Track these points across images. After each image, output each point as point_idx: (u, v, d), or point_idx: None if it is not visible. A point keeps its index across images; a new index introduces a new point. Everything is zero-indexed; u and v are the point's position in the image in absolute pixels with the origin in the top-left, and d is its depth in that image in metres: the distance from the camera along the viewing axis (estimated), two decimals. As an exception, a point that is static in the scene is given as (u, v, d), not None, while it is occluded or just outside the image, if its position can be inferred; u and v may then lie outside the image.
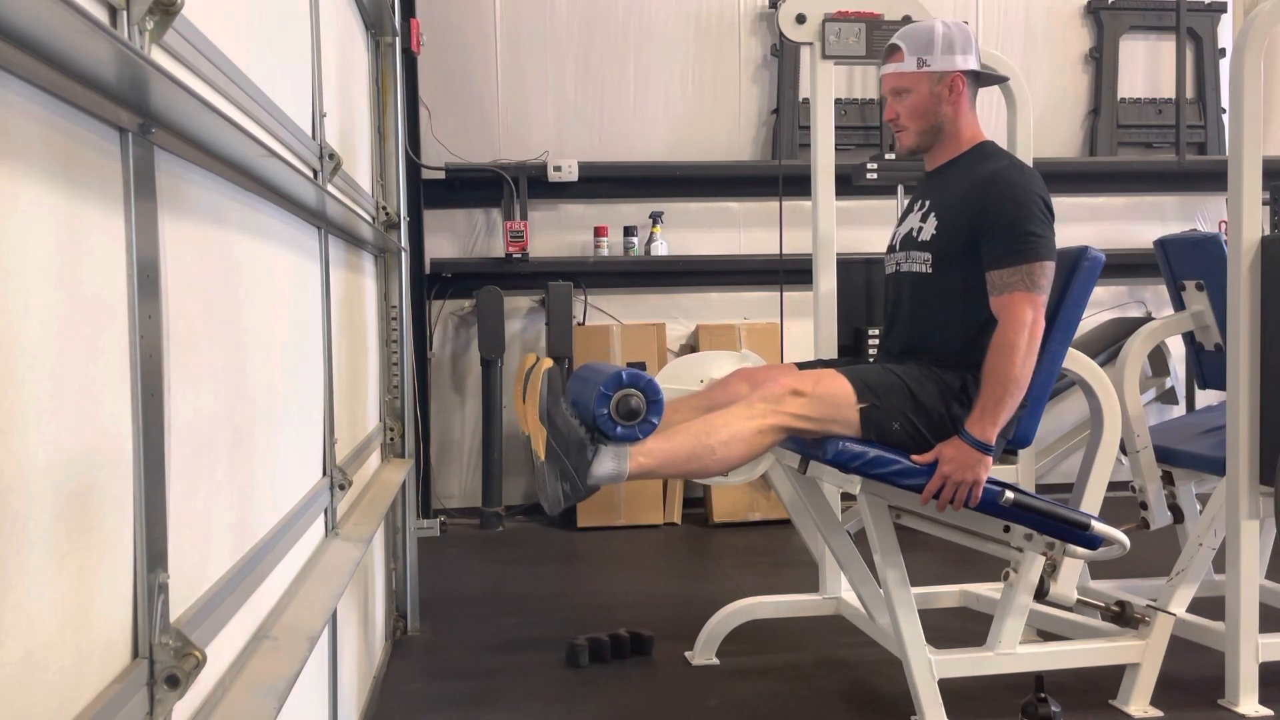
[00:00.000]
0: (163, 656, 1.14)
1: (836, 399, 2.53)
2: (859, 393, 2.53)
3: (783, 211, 4.19)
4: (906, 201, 2.95)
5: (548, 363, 2.42)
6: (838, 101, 3.81)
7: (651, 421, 2.39)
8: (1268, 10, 2.69)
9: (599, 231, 5.59)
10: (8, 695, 0.86)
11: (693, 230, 5.70)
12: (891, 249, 2.88)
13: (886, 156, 4.78)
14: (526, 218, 5.46)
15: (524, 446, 5.54)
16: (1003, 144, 3.02)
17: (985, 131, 2.81)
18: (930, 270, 2.69)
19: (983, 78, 2.81)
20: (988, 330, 2.55)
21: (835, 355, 3.28)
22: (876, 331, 4.27)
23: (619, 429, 2.37)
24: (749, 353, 3.48)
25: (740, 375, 2.79)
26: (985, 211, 2.58)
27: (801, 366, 2.80)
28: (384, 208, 3.44)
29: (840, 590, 3.32)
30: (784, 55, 5.67)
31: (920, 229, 2.74)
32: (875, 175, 4.70)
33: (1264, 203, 2.89)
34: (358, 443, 2.77)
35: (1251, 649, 2.78)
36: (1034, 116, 3.45)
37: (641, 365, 3.18)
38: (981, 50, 2.87)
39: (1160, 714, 2.76)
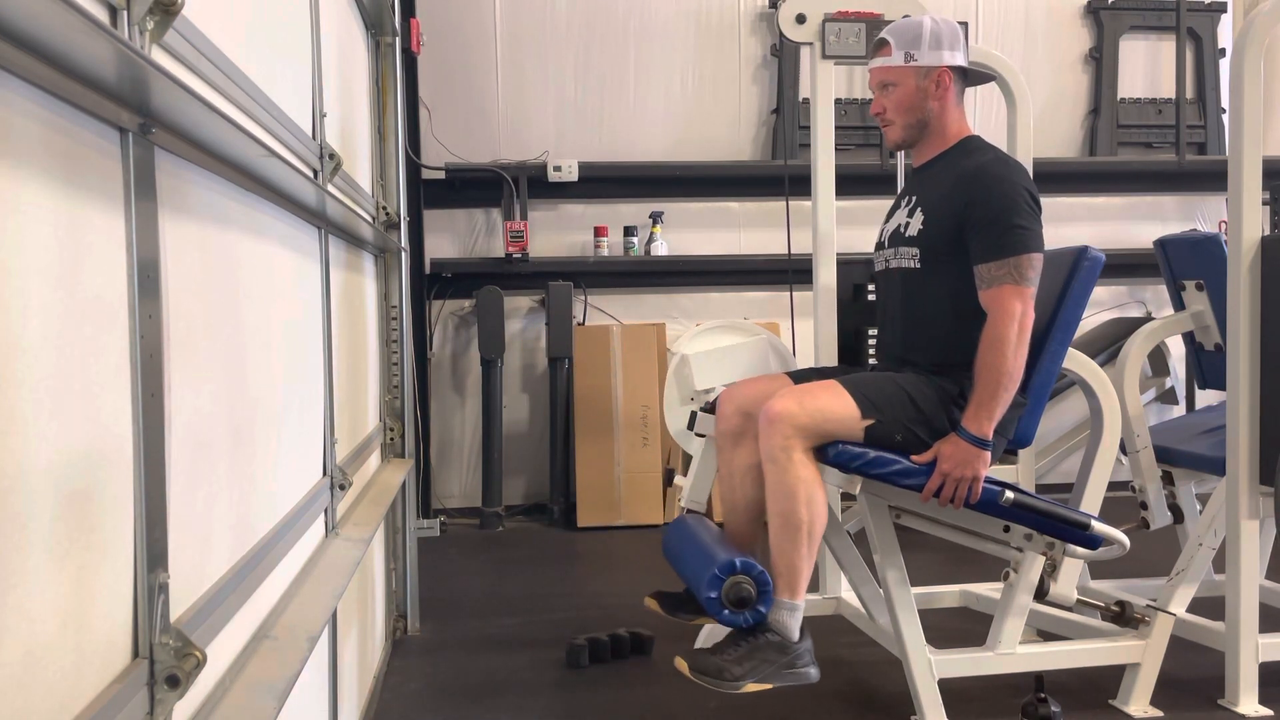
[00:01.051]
0: (163, 656, 1.14)
1: (841, 415, 2.51)
2: (863, 409, 2.52)
3: (790, 213, 4.20)
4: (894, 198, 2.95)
5: (682, 664, 2.49)
6: (838, 101, 3.81)
7: (760, 610, 2.42)
8: (1268, 10, 2.69)
9: (599, 231, 5.59)
10: (8, 695, 0.86)
11: (693, 230, 5.70)
12: (880, 245, 2.87)
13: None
14: (526, 218, 5.46)
15: (524, 446, 5.55)
16: (1002, 144, 3.02)
17: (986, 131, 2.81)
18: (919, 265, 2.69)
19: (970, 75, 2.81)
20: (978, 322, 2.55)
21: (835, 354, 3.28)
22: (876, 331, 4.27)
23: (734, 618, 2.41)
24: (712, 325, 3.47)
25: (726, 400, 2.77)
26: (971, 205, 2.58)
27: (798, 379, 2.77)
28: (384, 208, 3.44)
29: (840, 590, 3.32)
30: (784, 55, 5.67)
31: (908, 224, 2.74)
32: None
33: (1264, 203, 2.89)
34: (358, 443, 2.77)
35: (1251, 649, 2.78)
36: (1034, 116, 3.45)
37: (671, 476, 3.26)
38: (981, 50, 2.87)
39: (1160, 714, 2.76)
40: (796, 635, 2.45)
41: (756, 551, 2.61)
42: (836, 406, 2.51)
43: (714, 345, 3.24)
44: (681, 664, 2.44)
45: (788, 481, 2.46)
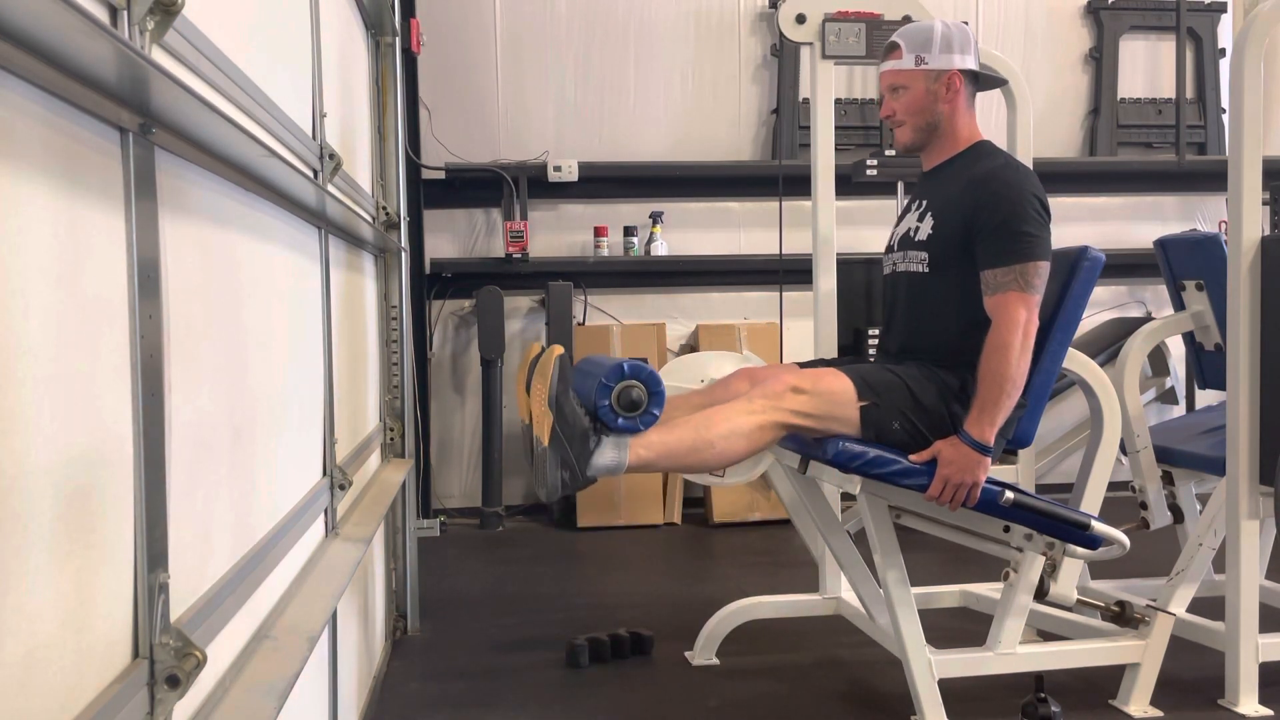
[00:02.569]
0: (163, 656, 1.14)
1: (837, 396, 2.53)
2: (859, 391, 2.54)
3: (782, 211, 4.20)
4: (904, 201, 2.95)
5: (558, 349, 2.40)
6: (838, 101, 3.81)
7: (653, 413, 2.40)
8: (1268, 10, 2.69)
9: (599, 231, 5.59)
10: (8, 695, 0.86)
11: (693, 230, 5.70)
12: (889, 249, 2.88)
13: (886, 153, 4.78)
14: (526, 218, 5.46)
15: (524, 444, 5.55)
16: (1002, 144, 3.02)
17: (986, 131, 2.81)
18: (927, 270, 2.69)
19: (981, 79, 2.81)
20: (984, 329, 2.55)
21: (835, 355, 3.28)
22: (876, 331, 4.28)
23: (620, 420, 2.38)
24: (750, 354, 3.49)
25: (742, 374, 2.79)
26: (980, 211, 2.58)
27: (802, 366, 2.80)
28: (384, 208, 3.44)
29: (840, 590, 3.32)
30: (784, 55, 5.67)
31: (917, 229, 2.74)
32: (875, 172, 4.70)
33: (1264, 203, 2.89)
34: (358, 443, 2.77)
35: (1251, 649, 2.78)
36: (1034, 116, 3.45)
37: (643, 360, 3.18)
38: (981, 50, 2.87)
39: (1160, 714, 2.76)
40: (593, 470, 2.37)
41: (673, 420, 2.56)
42: (835, 386, 2.54)
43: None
44: (557, 348, 2.38)
45: (740, 419, 2.47)
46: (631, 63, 5.68)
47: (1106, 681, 2.87)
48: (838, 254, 3.33)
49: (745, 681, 3.08)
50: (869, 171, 4.71)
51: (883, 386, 2.57)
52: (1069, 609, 3.03)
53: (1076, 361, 3.06)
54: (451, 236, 5.62)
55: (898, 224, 2.90)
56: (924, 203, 2.77)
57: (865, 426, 2.54)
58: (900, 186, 4.92)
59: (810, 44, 3.25)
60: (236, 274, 1.58)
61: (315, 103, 2.23)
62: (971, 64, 2.73)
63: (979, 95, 2.83)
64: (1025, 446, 2.97)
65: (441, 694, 3.02)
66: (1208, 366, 3.44)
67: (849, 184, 4.56)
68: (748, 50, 5.76)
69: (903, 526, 2.68)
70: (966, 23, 2.89)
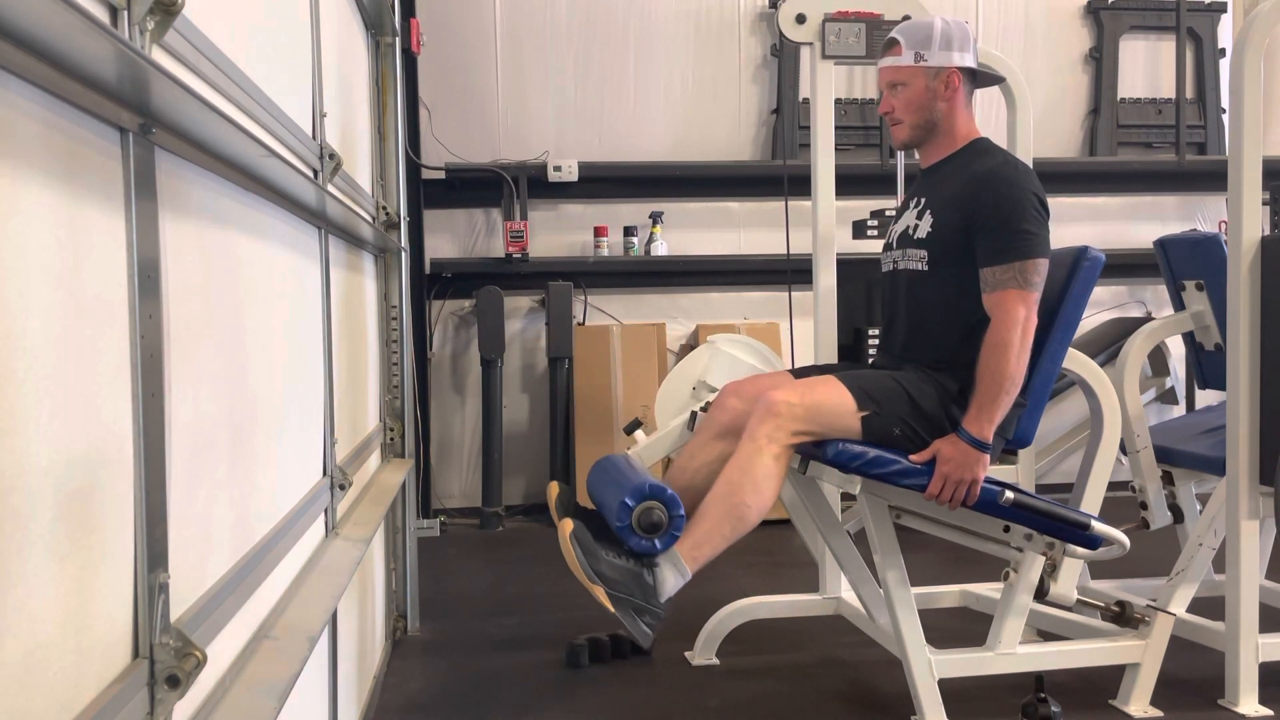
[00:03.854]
0: (163, 656, 1.14)
1: (837, 408, 2.53)
2: (859, 401, 2.53)
3: (789, 212, 4.20)
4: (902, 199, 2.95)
5: (567, 527, 2.43)
6: (838, 101, 3.81)
7: (673, 534, 2.41)
8: (1268, 10, 2.69)
9: (599, 231, 5.59)
10: (8, 695, 0.86)
11: (693, 230, 5.70)
12: (888, 247, 2.88)
13: (886, 212, 4.78)
14: (526, 218, 5.46)
15: (524, 446, 5.55)
16: (1002, 144, 3.02)
17: (986, 131, 2.81)
18: (926, 268, 2.69)
19: (980, 77, 2.81)
20: (983, 327, 2.56)
21: (835, 355, 3.28)
22: (876, 331, 4.28)
23: (640, 542, 2.39)
24: (748, 339, 3.48)
25: (730, 391, 2.78)
26: (979, 208, 2.58)
27: (799, 374, 2.79)
28: (384, 208, 3.44)
29: (840, 590, 3.32)
30: (784, 55, 5.67)
31: (916, 226, 2.74)
32: (875, 232, 4.73)
33: (1264, 203, 2.89)
34: (358, 443, 2.77)
35: (1251, 649, 2.78)
36: (1034, 116, 3.44)
37: (636, 424, 3.21)
38: (981, 50, 2.87)
39: (1160, 714, 2.76)
40: (664, 596, 2.41)
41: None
42: (833, 398, 2.53)
43: (743, 357, 3.24)
44: (567, 524, 2.39)
45: (754, 463, 2.47)
46: (631, 63, 5.69)
47: (1106, 681, 2.87)
48: (838, 254, 3.33)
49: (745, 681, 3.08)
50: (870, 231, 4.74)
51: (882, 394, 2.56)
52: (1069, 609, 3.03)
53: (1076, 361, 3.06)
54: (451, 236, 5.62)
55: (895, 221, 2.90)
56: (922, 200, 2.77)
57: (867, 434, 2.54)
58: (900, 186, 4.92)
59: (810, 44, 3.25)
60: (236, 274, 1.58)
61: (315, 102, 2.23)
62: (970, 62, 2.73)
63: (981, 94, 2.83)
64: (1025, 446, 2.97)
65: (441, 694, 3.02)
66: (1208, 366, 3.44)
67: (849, 184, 4.56)
68: (748, 50, 5.77)
69: (903, 526, 2.68)
70: (967, 22, 2.89)
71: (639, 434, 3.15)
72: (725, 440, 2.68)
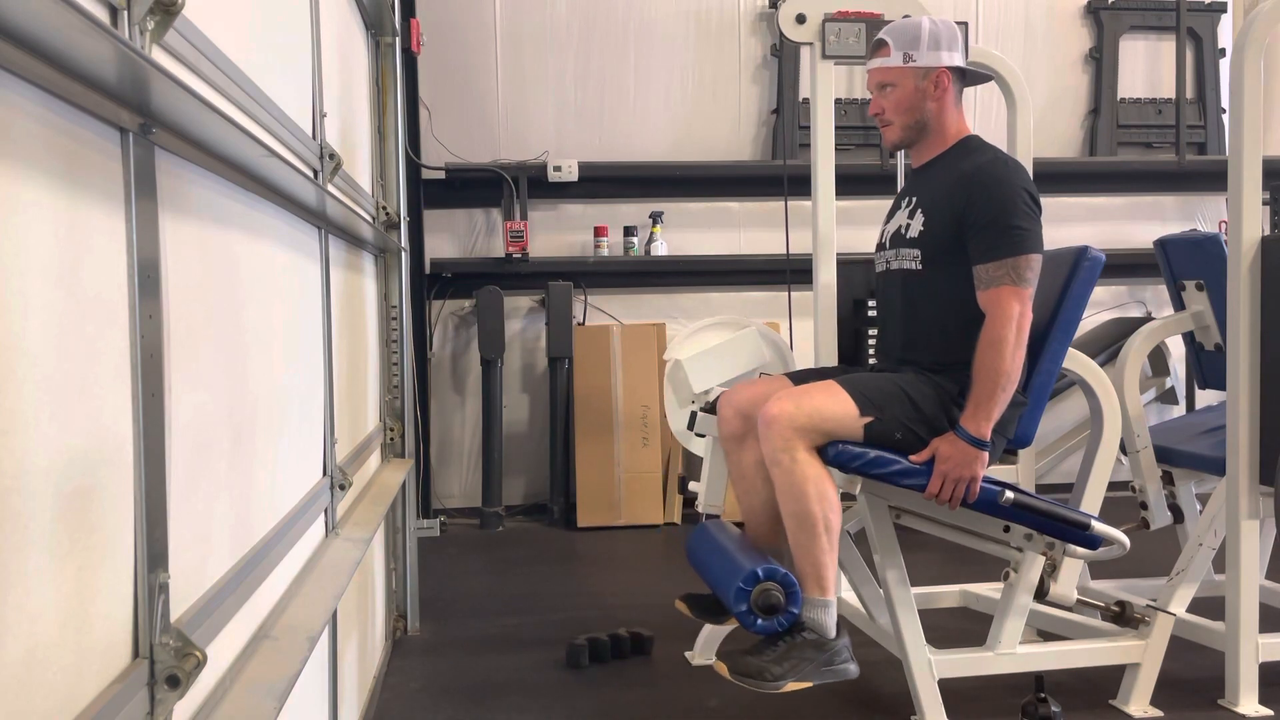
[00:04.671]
0: (163, 656, 1.14)
1: (839, 414, 2.51)
2: (861, 407, 2.52)
3: (788, 212, 4.21)
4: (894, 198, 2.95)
5: (722, 668, 2.46)
6: (838, 101, 3.81)
7: (793, 612, 2.41)
8: (1268, 10, 2.69)
9: (599, 231, 5.59)
10: (9, 695, 0.86)
11: (693, 230, 5.70)
12: (881, 246, 2.88)
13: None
14: (526, 218, 5.46)
15: (524, 446, 5.55)
16: (1002, 144, 3.02)
17: (986, 131, 2.80)
18: (920, 267, 2.69)
19: (969, 75, 2.81)
20: (979, 324, 2.55)
21: (835, 355, 3.28)
22: (875, 332, 4.27)
23: (767, 625, 2.40)
24: (701, 324, 3.48)
25: (725, 404, 2.77)
26: (971, 206, 2.58)
27: (797, 379, 2.77)
28: (384, 208, 3.44)
29: (840, 590, 3.31)
30: (784, 55, 5.67)
31: (908, 225, 2.74)
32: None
33: (1264, 203, 2.89)
34: (358, 443, 2.77)
35: (1251, 649, 2.78)
36: (1034, 116, 3.44)
37: (684, 482, 3.22)
38: (981, 50, 2.87)
39: (1160, 714, 2.76)
40: (833, 632, 2.45)
41: (781, 549, 2.60)
42: (834, 405, 2.51)
43: (704, 346, 3.24)
44: (721, 667, 2.44)
45: (796, 481, 2.46)
46: (631, 63, 5.68)
47: (1106, 681, 2.87)
48: (838, 254, 3.33)
49: (745, 681, 3.07)
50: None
51: (883, 399, 2.55)
52: (1069, 609, 3.03)
53: (1076, 361, 3.05)
54: (451, 236, 5.62)
55: (887, 221, 2.89)
56: (914, 199, 2.77)
57: (869, 440, 2.54)
58: (900, 186, 4.91)
59: (810, 44, 3.25)
60: (236, 274, 1.58)
61: (315, 103, 2.23)
62: (959, 60, 2.73)
63: (981, 94, 2.83)
64: (1025, 446, 2.97)
65: (441, 694, 3.02)
66: (1208, 366, 3.44)
67: (849, 184, 4.56)
68: (748, 50, 5.77)
69: (903, 526, 2.68)
70: (965, 23, 2.88)
71: (692, 485, 3.16)
72: (748, 445, 2.69)
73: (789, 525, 2.50)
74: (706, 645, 3.25)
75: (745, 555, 2.50)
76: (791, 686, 2.39)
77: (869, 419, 2.52)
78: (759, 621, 2.40)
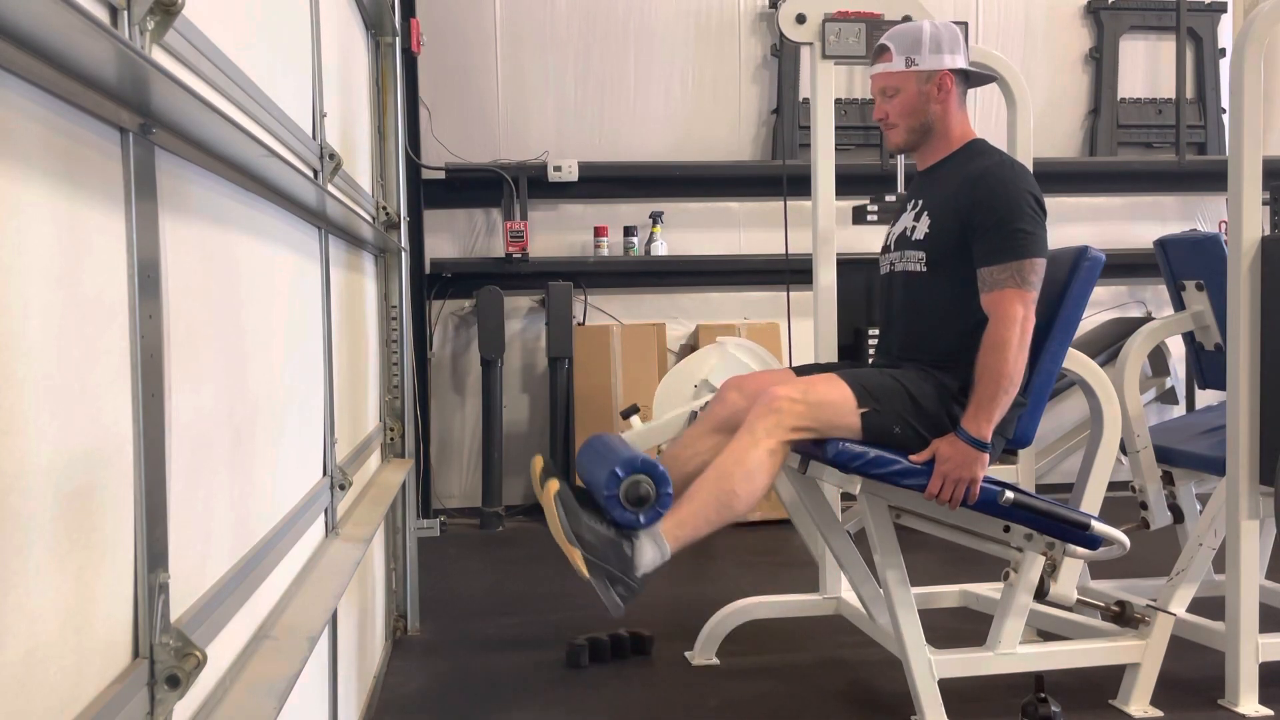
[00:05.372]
0: (163, 656, 1.14)
1: (837, 405, 2.53)
2: (859, 398, 2.53)
3: (787, 212, 4.20)
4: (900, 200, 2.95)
5: (553, 486, 2.42)
6: (838, 101, 3.81)
7: (658, 510, 2.40)
8: (1268, 10, 2.69)
9: (599, 231, 5.59)
10: (9, 695, 0.86)
11: (693, 230, 5.70)
12: (886, 249, 2.88)
13: (887, 198, 4.76)
14: (526, 218, 5.46)
15: (524, 446, 5.55)
16: (1002, 144, 3.02)
17: (985, 131, 2.81)
18: (925, 269, 2.70)
19: (972, 77, 2.81)
20: (982, 327, 2.56)
21: (835, 355, 3.28)
22: (876, 331, 4.27)
23: (625, 514, 2.38)
24: (753, 345, 3.48)
25: (732, 386, 2.79)
26: (976, 209, 2.58)
27: (800, 371, 2.80)
28: (384, 208, 3.44)
29: (840, 590, 3.32)
30: (784, 55, 5.67)
31: (914, 228, 2.75)
32: (875, 218, 4.71)
33: (1264, 203, 2.89)
34: (358, 443, 2.77)
35: (1251, 649, 2.78)
36: (1034, 116, 3.44)
37: (634, 409, 3.19)
38: (981, 50, 2.87)
39: (1160, 714, 2.76)
40: (640, 570, 2.39)
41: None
42: (834, 395, 2.54)
43: (749, 362, 3.24)
44: (553, 484, 2.39)
45: (750, 454, 2.47)
46: (631, 63, 5.69)
47: (1106, 681, 2.87)
48: (838, 254, 3.34)
49: (745, 681, 3.08)
50: (869, 218, 4.73)
51: (882, 392, 2.56)
52: (1069, 609, 3.03)
53: (1076, 361, 3.06)
54: (451, 236, 5.62)
55: (893, 224, 2.90)
56: (919, 202, 2.77)
57: (866, 432, 2.54)
58: (900, 186, 4.91)
59: (810, 44, 3.25)
60: (236, 274, 1.58)
61: (315, 103, 2.23)
62: (961, 63, 2.73)
63: (981, 95, 2.84)
64: (1025, 446, 2.97)
65: (441, 694, 3.02)
66: (1208, 366, 3.44)
67: (849, 184, 4.56)
68: (748, 50, 5.77)
69: (903, 526, 2.68)
70: (965, 23, 2.88)
71: (635, 419, 3.15)
72: (722, 434, 2.68)
73: (708, 474, 2.49)
74: (706, 645, 3.25)
75: (641, 453, 2.50)
76: (573, 555, 2.33)
77: (866, 409, 2.53)
78: (624, 513, 2.37)
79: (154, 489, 1.16)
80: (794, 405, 2.49)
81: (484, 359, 5.31)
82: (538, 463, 2.62)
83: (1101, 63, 5.95)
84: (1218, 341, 3.32)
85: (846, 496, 3.08)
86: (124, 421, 1.11)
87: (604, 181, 5.59)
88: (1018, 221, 2.54)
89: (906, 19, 3.19)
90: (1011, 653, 2.73)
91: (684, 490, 2.53)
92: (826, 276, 3.30)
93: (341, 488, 2.31)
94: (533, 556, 4.68)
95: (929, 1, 3.29)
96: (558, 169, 5.48)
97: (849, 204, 4.47)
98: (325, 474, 2.24)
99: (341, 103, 2.70)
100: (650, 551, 2.40)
